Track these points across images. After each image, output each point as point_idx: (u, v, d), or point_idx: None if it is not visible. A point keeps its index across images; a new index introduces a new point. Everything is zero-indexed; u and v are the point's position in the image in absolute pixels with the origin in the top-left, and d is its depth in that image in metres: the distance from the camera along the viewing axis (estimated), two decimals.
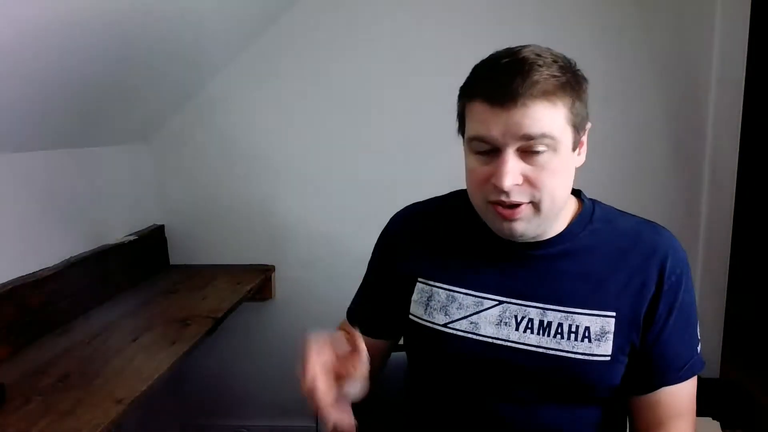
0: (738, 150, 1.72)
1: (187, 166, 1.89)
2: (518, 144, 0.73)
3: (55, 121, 1.31)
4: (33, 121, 1.23)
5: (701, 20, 1.67)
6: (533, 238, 0.82)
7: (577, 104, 0.76)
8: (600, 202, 0.90)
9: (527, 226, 0.78)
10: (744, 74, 1.67)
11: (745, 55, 1.66)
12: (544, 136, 0.72)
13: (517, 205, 0.76)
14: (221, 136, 1.86)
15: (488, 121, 0.73)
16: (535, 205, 0.76)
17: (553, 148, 0.74)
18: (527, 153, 0.74)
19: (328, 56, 1.79)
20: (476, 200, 0.81)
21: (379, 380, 0.99)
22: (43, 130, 1.31)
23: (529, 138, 0.72)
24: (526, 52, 0.74)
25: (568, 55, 0.79)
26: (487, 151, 0.76)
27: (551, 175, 0.74)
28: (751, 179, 1.94)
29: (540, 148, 0.73)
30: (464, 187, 0.85)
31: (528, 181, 0.74)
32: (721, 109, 1.70)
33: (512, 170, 0.73)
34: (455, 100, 0.82)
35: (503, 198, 0.75)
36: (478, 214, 0.84)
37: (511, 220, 0.77)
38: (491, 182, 0.75)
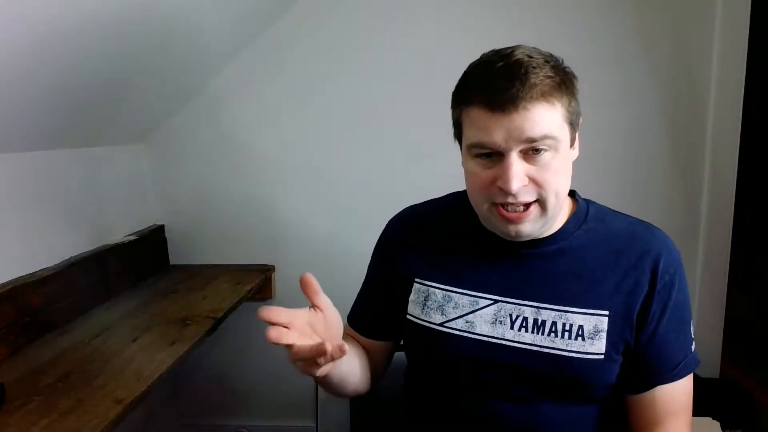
0: (738, 150, 1.72)
1: (187, 166, 1.89)
2: (521, 147, 0.74)
3: (55, 121, 1.31)
4: (33, 121, 1.23)
5: (701, 20, 1.67)
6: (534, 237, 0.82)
7: (573, 102, 0.77)
8: (594, 202, 0.91)
9: (533, 227, 0.79)
10: (744, 74, 1.67)
11: (745, 55, 1.66)
12: (545, 137, 0.73)
13: (525, 207, 0.76)
14: (221, 136, 1.86)
15: (489, 128, 0.74)
16: (542, 204, 0.77)
17: (554, 148, 0.75)
18: (529, 154, 0.75)
19: (328, 56, 1.78)
20: (479, 204, 0.81)
21: (382, 378, 1.00)
22: (43, 130, 1.30)
23: (531, 141, 0.73)
24: (518, 54, 0.74)
25: (568, 56, 0.80)
26: (488, 155, 0.76)
27: (554, 173, 0.76)
28: (751, 179, 1.94)
29: (542, 148, 0.74)
30: (465, 187, 0.85)
31: (533, 181, 0.75)
32: (721, 109, 1.70)
33: (518, 173, 0.74)
34: None
35: (510, 200, 0.76)
36: (474, 215, 0.85)
37: (517, 222, 0.77)
38: (496, 185, 0.76)
